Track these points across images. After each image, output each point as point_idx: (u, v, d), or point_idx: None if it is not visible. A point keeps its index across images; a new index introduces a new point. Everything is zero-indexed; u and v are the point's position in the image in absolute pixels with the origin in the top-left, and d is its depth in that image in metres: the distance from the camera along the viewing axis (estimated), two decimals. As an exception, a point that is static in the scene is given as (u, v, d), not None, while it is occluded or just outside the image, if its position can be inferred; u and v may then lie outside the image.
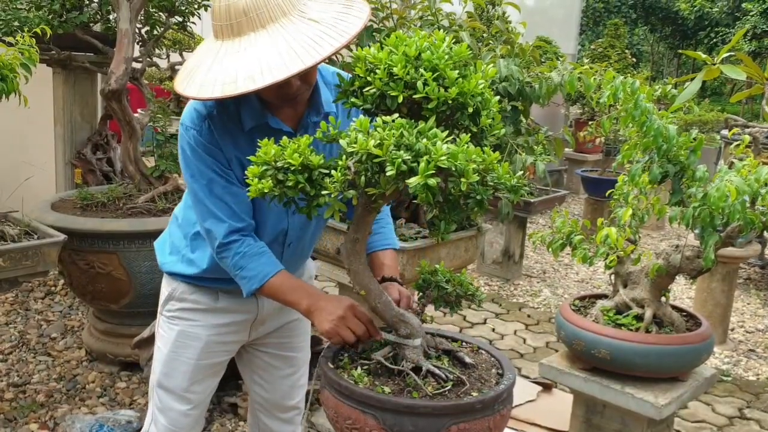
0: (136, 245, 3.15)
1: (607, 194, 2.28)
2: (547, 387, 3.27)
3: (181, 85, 1.48)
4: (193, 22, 4.19)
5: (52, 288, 4.43)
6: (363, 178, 1.29)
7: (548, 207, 5.68)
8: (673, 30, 18.69)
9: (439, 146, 1.23)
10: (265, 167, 1.33)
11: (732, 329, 4.56)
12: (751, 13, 12.57)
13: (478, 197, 1.32)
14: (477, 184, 1.28)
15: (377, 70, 1.35)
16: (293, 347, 1.98)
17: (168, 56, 5.07)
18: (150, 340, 2.92)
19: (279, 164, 1.33)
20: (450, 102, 1.33)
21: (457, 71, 1.35)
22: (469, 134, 1.33)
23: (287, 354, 1.98)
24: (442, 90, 1.32)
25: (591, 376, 2.15)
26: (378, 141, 1.26)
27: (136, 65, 3.76)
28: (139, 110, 4.75)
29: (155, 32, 4.13)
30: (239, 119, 1.59)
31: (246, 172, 1.35)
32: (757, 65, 2.63)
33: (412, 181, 1.22)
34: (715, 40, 15.56)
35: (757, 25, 12.19)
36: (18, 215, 3.03)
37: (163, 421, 1.87)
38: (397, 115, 1.32)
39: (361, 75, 1.39)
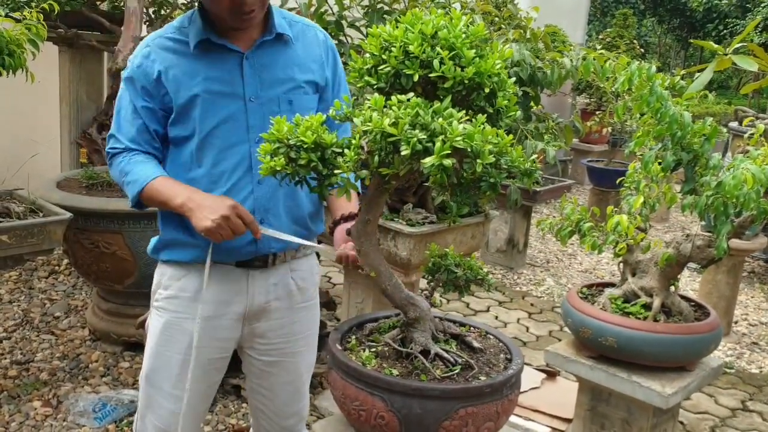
0: (141, 225, 3.14)
1: (618, 182, 2.26)
2: (551, 375, 3.26)
3: None
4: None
5: (56, 267, 4.42)
6: (376, 157, 1.27)
7: (553, 196, 5.66)
8: (681, 22, 18.55)
9: (455, 126, 1.21)
10: (277, 145, 1.32)
11: (735, 322, 4.55)
12: (762, 5, 12.44)
13: (492, 180, 1.30)
14: (491, 166, 1.26)
15: (393, 48, 1.33)
16: (293, 353, 1.86)
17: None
18: (154, 321, 2.91)
19: (292, 142, 1.31)
20: (466, 82, 1.31)
21: (473, 51, 1.33)
22: (485, 115, 1.31)
23: (286, 360, 1.86)
24: (458, 69, 1.30)
25: (597, 363, 2.14)
26: (393, 120, 1.24)
27: (143, 44, 3.72)
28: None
29: (162, 12, 4.10)
30: (186, 42, 1.64)
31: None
32: (768, 56, 2.59)
33: (427, 161, 1.20)
34: (723, 32, 15.45)
35: (768, 16, 12.09)
36: (23, 193, 3.02)
37: (152, 418, 1.79)
38: (412, 94, 1.30)
39: (375, 53, 1.37)
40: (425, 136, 1.22)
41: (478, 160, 1.22)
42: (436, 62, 1.30)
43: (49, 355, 3.35)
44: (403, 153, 1.22)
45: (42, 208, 2.90)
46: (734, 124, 6.36)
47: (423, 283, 3.22)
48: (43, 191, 3.16)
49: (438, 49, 1.31)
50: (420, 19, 1.35)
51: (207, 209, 1.53)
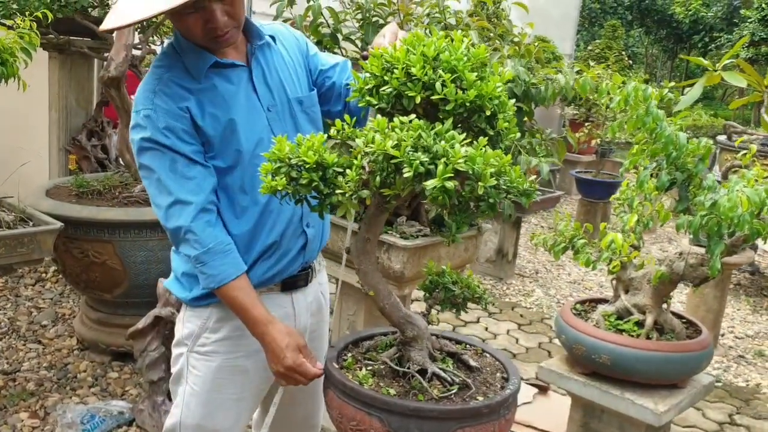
0: (131, 235, 3.12)
1: (611, 199, 2.28)
2: (542, 389, 3.27)
3: (105, 23, 1.48)
4: (194, 10, 4.13)
5: (43, 275, 4.38)
6: (378, 178, 1.27)
7: (542, 207, 5.70)
8: (667, 33, 18.76)
9: (457, 149, 1.22)
10: (278, 164, 1.31)
11: (722, 335, 4.59)
12: (749, 20, 12.59)
13: (491, 200, 1.30)
14: (491, 188, 1.27)
15: (395, 70, 1.33)
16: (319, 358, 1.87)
17: (164, 44, 5.00)
18: (144, 332, 2.89)
19: (293, 161, 1.31)
20: (467, 104, 1.32)
21: (475, 73, 1.33)
22: (486, 137, 1.32)
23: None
24: (460, 92, 1.31)
25: (590, 380, 2.15)
26: (395, 142, 1.24)
27: (136, 52, 3.71)
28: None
29: (155, 19, 4.08)
30: (189, 74, 1.56)
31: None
32: (756, 72, 2.63)
33: (429, 183, 1.20)
34: (709, 45, 15.65)
35: (755, 32, 12.21)
36: (13, 200, 2.99)
37: None
38: (414, 116, 1.31)
39: (377, 74, 1.38)
40: (427, 159, 1.22)
41: (480, 183, 1.23)
42: (438, 84, 1.30)
43: (36, 365, 3.31)
44: (405, 175, 1.22)
45: (32, 217, 2.87)
46: (722, 138, 6.43)
47: (415, 294, 3.21)
48: (32, 199, 3.13)
49: (440, 71, 1.31)
50: (422, 40, 1.36)
51: (272, 355, 1.57)
